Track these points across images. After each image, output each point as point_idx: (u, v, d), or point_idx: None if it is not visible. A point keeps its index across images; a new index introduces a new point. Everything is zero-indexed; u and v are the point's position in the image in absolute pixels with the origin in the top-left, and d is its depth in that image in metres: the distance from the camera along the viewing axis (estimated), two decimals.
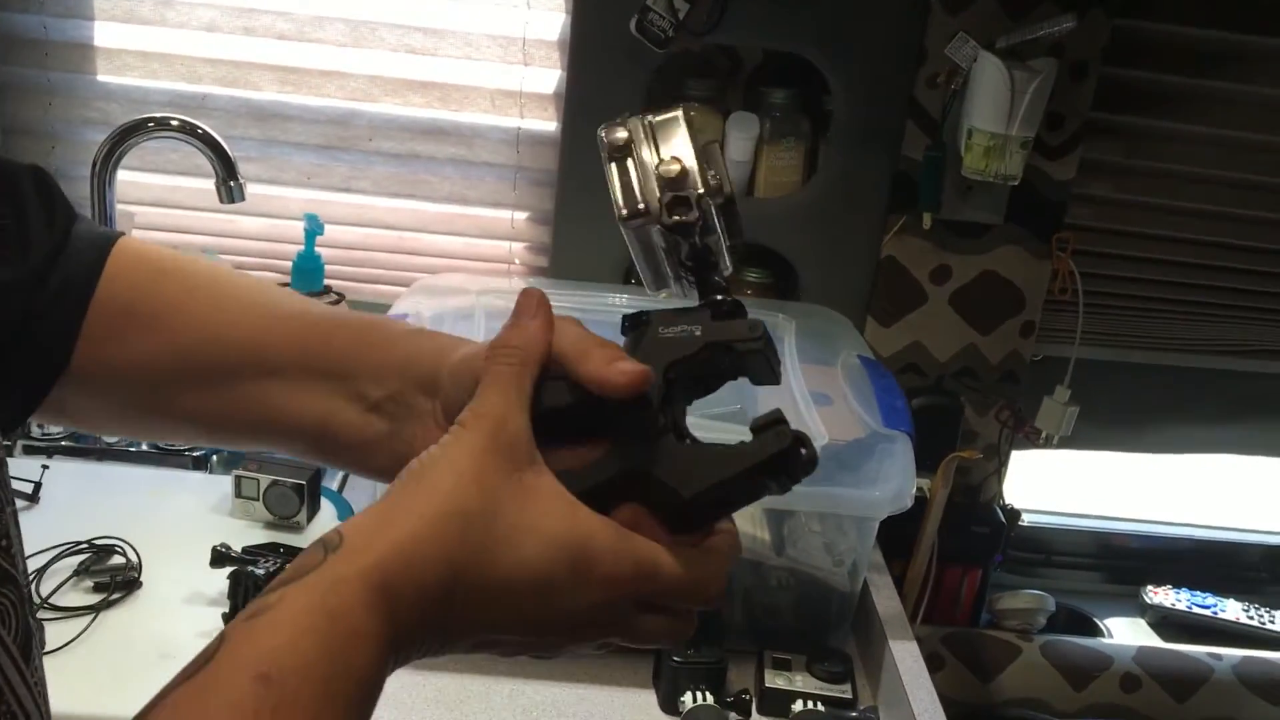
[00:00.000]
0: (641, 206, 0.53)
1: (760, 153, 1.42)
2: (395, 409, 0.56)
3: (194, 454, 1.36)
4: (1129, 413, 1.64)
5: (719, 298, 0.54)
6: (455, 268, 1.50)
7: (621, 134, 0.54)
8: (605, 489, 0.50)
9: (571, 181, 1.42)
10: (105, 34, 1.40)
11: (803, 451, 0.50)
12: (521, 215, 1.49)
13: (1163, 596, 1.67)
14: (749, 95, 1.45)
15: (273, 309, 0.60)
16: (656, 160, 0.54)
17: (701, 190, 0.53)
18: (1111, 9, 1.35)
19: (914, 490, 1.10)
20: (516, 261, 1.51)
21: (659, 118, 0.55)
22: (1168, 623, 1.66)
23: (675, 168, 0.53)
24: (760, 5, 1.34)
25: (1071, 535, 1.76)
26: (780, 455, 0.49)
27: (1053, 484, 1.79)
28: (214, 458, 1.39)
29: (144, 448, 1.36)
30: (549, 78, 1.42)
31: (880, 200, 1.44)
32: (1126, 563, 1.76)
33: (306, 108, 1.43)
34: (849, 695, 1.10)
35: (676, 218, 0.53)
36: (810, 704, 1.07)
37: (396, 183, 1.47)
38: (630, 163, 0.54)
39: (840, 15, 1.35)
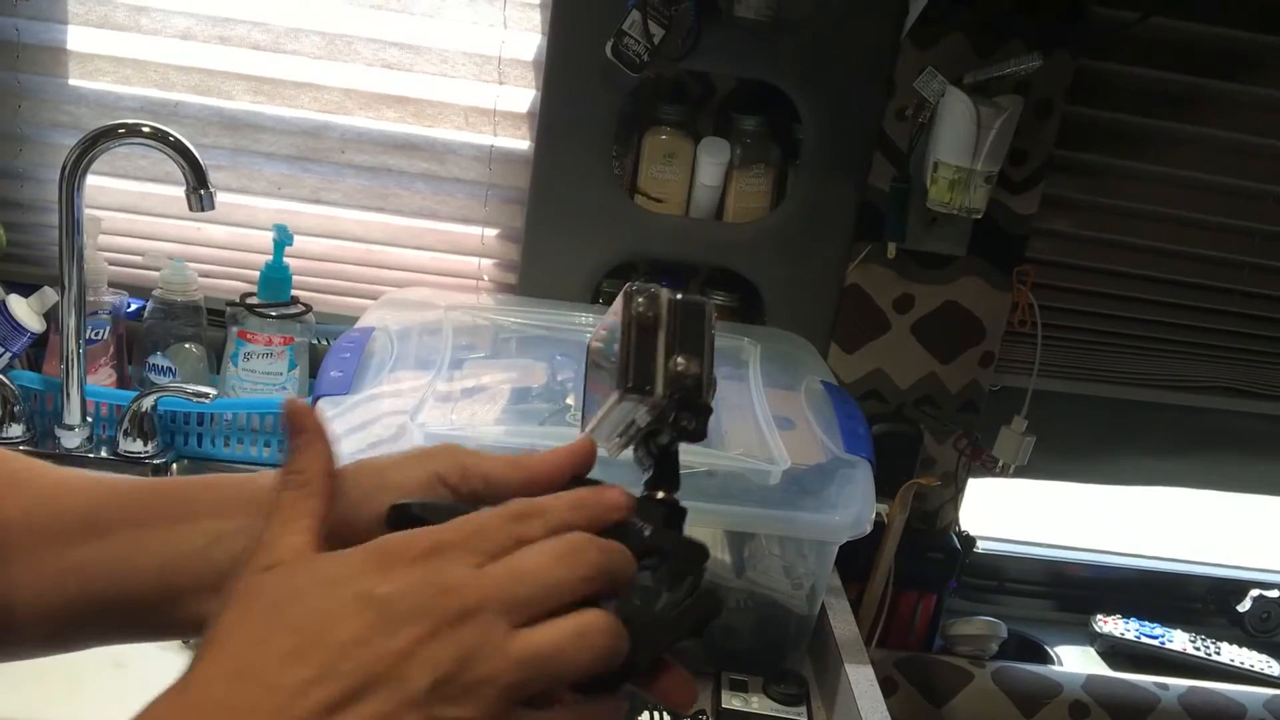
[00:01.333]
0: (649, 388, 0.53)
1: (730, 178, 1.44)
2: (236, 541, 0.54)
3: (153, 462, 1.35)
4: (1084, 444, 1.67)
5: (674, 500, 0.55)
6: (424, 282, 1.50)
7: (655, 311, 0.54)
8: None
9: (542, 200, 1.43)
10: (79, 38, 1.40)
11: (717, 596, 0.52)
12: (492, 232, 1.49)
13: (1112, 625, 1.70)
14: (720, 120, 1.46)
15: (87, 480, 0.59)
16: (677, 352, 0.53)
17: (710, 402, 0.54)
18: (1076, 50, 1.38)
19: (873, 515, 1.12)
20: (485, 278, 1.52)
21: (689, 301, 0.54)
22: (1116, 651, 1.68)
23: (694, 371, 0.53)
24: (734, 34, 1.36)
25: (1024, 563, 1.78)
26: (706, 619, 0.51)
27: (1007, 512, 1.82)
28: (174, 465, 1.38)
29: (103, 454, 1.36)
30: (523, 97, 1.43)
31: (846, 228, 1.46)
32: (1077, 591, 1.79)
33: (279, 118, 1.43)
34: (804, 718, 1.11)
35: (684, 424, 0.54)
36: None
37: (367, 196, 1.47)
38: (650, 337, 0.54)
39: (812, 47, 1.38)
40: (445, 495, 0.53)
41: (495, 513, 0.46)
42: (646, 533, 0.52)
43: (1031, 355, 1.51)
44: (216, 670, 0.41)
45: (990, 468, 1.55)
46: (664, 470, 0.55)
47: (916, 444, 1.53)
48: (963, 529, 1.63)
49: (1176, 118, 1.46)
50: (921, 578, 1.56)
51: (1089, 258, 1.53)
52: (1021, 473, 1.56)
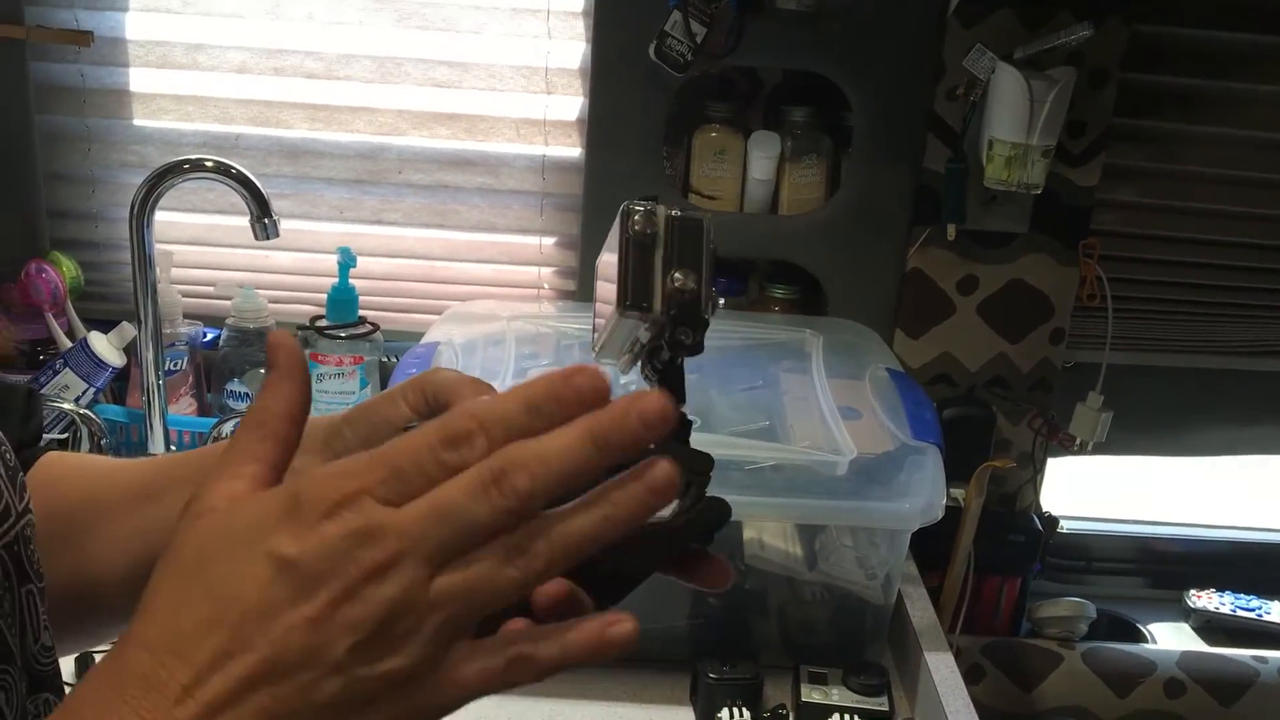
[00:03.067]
0: (646, 305, 0.54)
1: (782, 171, 1.43)
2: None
3: None
4: (1163, 416, 1.63)
5: (680, 412, 0.54)
6: (486, 294, 1.52)
7: (652, 229, 0.54)
8: None
9: (596, 205, 1.44)
10: (140, 79, 1.44)
11: (724, 503, 0.52)
12: (549, 240, 1.51)
13: (1206, 600, 1.66)
14: (769, 114, 1.46)
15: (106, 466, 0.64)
16: (674, 268, 0.54)
17: (709, 316, 0.54)
18: (1128, 15, 1.36)
19: (944, 501, 1.11)
20: (545, 286, 1.53)
21: (685, 218, 0.55)
22: (1212, 626, 1.64)
23: (690, 287, 0.53)
24: (777, 27, 1.36)
25: (1111, 541, 1.75)
26: (706, 536, 0.51)
27: (1091, 490, 1.79)
28: None
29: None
30: (572, 105, 1.44)
31: (904, 214, 1.45)
32: (1168, 567, 1.74)
33: (336, 144, 1.46)
34: (885, 708, 1.10)
35: (681, 338, 0.54)
36: (847, 717, 1.08)
37: (426, 213, 1.50)
38: (648, 254, 0.54)
39: (857, 33, 1.37)
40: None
41: (427, 436, 0.40)
42: (651, 446, 0.53)
43: (1103, 329, 1.48)
44: (148, 636, 0.40)
45: (1068, 446, 1.52)
46: (669, 385, 0.55)
47: (990, 426, 1.51)
48: (1044, 510, 1.60)
49: (1235, 77, 1.43)
50: (1004, 561, 1.54)
51: (1156, 226, 1.50)
52: (1101, 449, 1.53)
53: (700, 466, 0.53)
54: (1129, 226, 1.49)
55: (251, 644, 0.38)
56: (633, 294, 0.54)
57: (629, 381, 0.55)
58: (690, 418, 0.55)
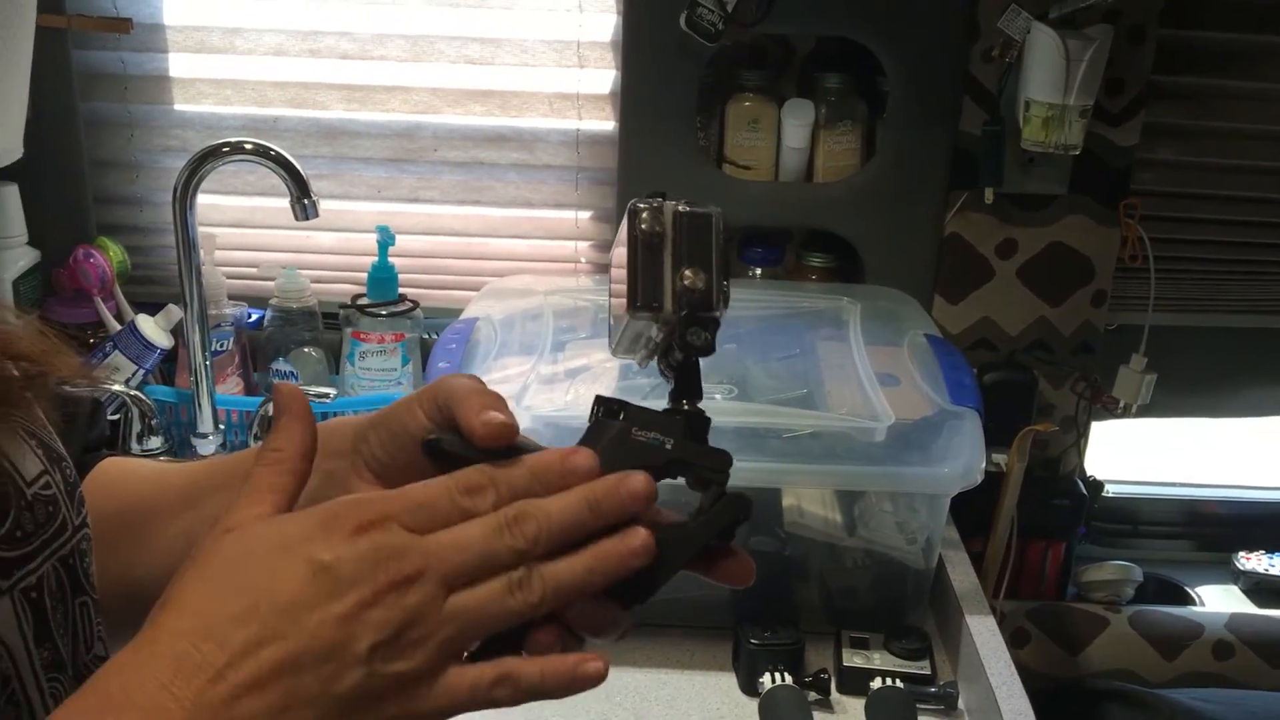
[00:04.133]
0: (657, 305, 0.54)
1: (817, 138, 1.43)
2: (310, 481, 0.57)
3: None
4: (1208, 377, 1.61)
5: (698, 409, 0.55)
6: (523, 270, 1.53)
7: (659, 227, 0.54)
8: None
9: (631, 178, 1.44)
10: (179, 65, 1.46)
11: (745, 501, 0.53)
12: (584, 214, 1.52)
13: (1255, 562, 1.65)
14: (803, 81, 1.46)
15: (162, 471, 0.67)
16: (684, 265, 0.53)
17: (719, 315, 0.54)
18: None
19: (984, 466, 1.11)
20: (582, 260, 1.54)
21: (693, 213, 0.54)
22: (1261, 588, 1.63)
23: (700, 286, 0.53)
24: None
25: (1158, 504, 1.73)
26: (726, 534, 0.53)
27: (1136, 453, 1.77)
28: None
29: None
30: (604, 78, 1.44)
31: (940, 178, 1.44)
32: (1216, 529, 1.73)
33: (373, 123, 1.48)
34: (928, 671, 1.11)
35: (692, 339, 0.54)
36: (889, 681, 1.08)
37: (462, 190, 1.51)
38: (656, 253, 0.54)
39: None
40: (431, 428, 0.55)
41: (446, 484, 0.48)
42: (669, 446, 0.53)
43: (1146, 290, 1.47)
44: (181, 625, 0.44)
45: (1111, 409, 1.51)
46: (684, 381, 0.55)
47: (1031, 391, 1.50)
48: (1089, 474, 1.59)
49: (1276, 30, 1.40)
50: (1048, 526, 1.53)
51: (1198, 184, 1.47)
52: (1145, 412, 1.52)
53: (718, 465, 0.54)
54: (1170, 185, 1.47)
55: (284, 634, 0.43)
56: (643, 295, 0.53)
57: (650, 386, 0.55)
58: (707, 415, 0.55)
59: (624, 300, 0.54)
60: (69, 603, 0.54)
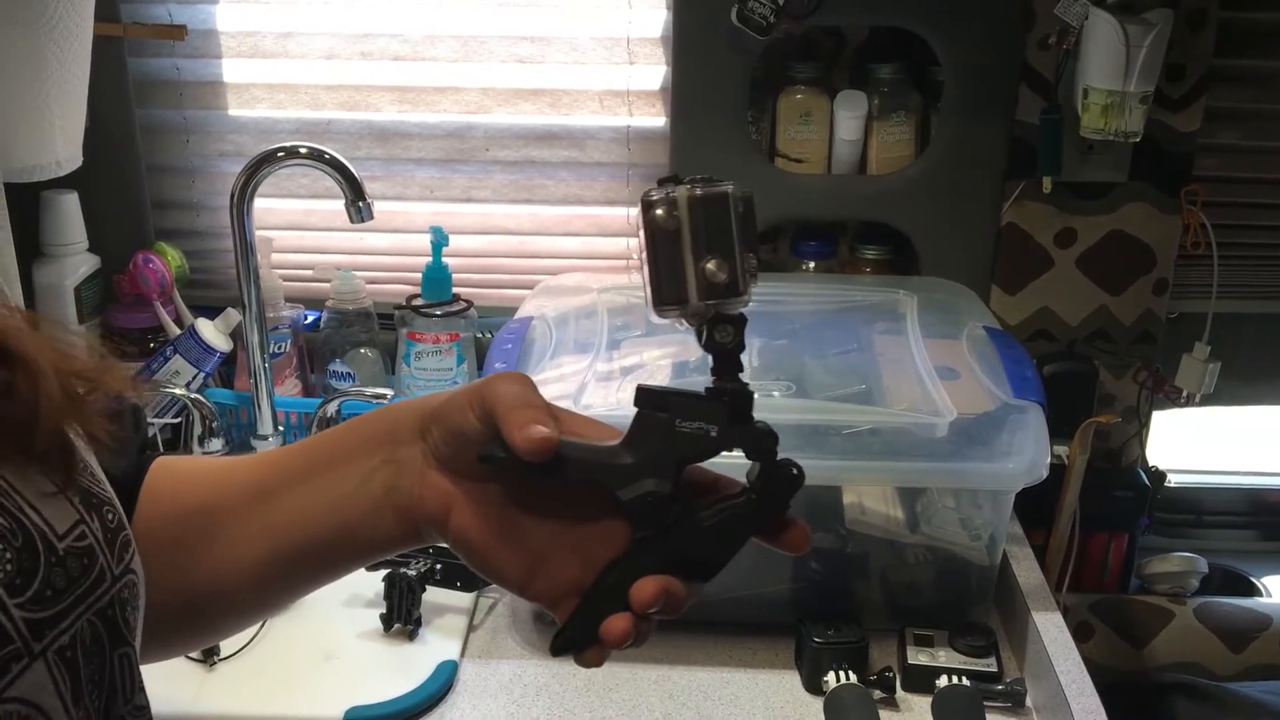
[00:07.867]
0: (683, 299, 0.53)
1: (870, 130, 1.41)
2: (385, 471, 0.60)
3: None
4: (1272, 365, 1.58)
5: (740, 386, 0.55)
6: (576, 268, 1.53)
7: (673, 221, 0.52)
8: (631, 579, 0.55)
9: (683, 174, 1.43)
10: (233, 70, 1.48)
11: (794, 472, 0.55)
12: (637, 211, 1.51)
13: None
14: (855, 72, 1.44)
15: (225, 462, 0.68)
16: (705, 255, 0.52)
17: (744, 309, 0.53)
18: None
19: (1049, 460, 1.09)
20: (635, 257, 1.54)
21: (707, 195, 0.52)
22: None
23: (722, 279, 0.52)
24: None
25: (1223, 494, 1.70)
26: (780, 506, 0.56)
27: (1200, 443, 1.74)
28: None
29: None
30: (654, 74, 1.44)
31: (997, 167, 1.42)
32: None
33: (424, 124, 1.48)
34: (994, 668, 1.10)
35: (718, 338, 0.53)
36: (955, 679, 1.07)
37: (514, 189, 1.51)
38: (674, 245, 0.52)
39: None
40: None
41: None
42: (713, 434, 0.54)
43: (1208, 278, 1.44)
44: None
45: (1174, 399, 1.49)
46: (723, 361, 0.55)
47: (1092, 381, 1.48)
48: (1151, 464, 1.57)
49: None
50: (1111, 518, 1.51)
51: (1262, 169, 1.44)
52: (1209, 401, 1.49)
53: (765, 445, 0.55)
54: (1233, 171, 1.44)
55: None
56: (666, 290, 0.53)
57: (704, 386, 0.55)
58: (750, 390, 0.56)
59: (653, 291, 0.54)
60: (106, 655, 0.52)
